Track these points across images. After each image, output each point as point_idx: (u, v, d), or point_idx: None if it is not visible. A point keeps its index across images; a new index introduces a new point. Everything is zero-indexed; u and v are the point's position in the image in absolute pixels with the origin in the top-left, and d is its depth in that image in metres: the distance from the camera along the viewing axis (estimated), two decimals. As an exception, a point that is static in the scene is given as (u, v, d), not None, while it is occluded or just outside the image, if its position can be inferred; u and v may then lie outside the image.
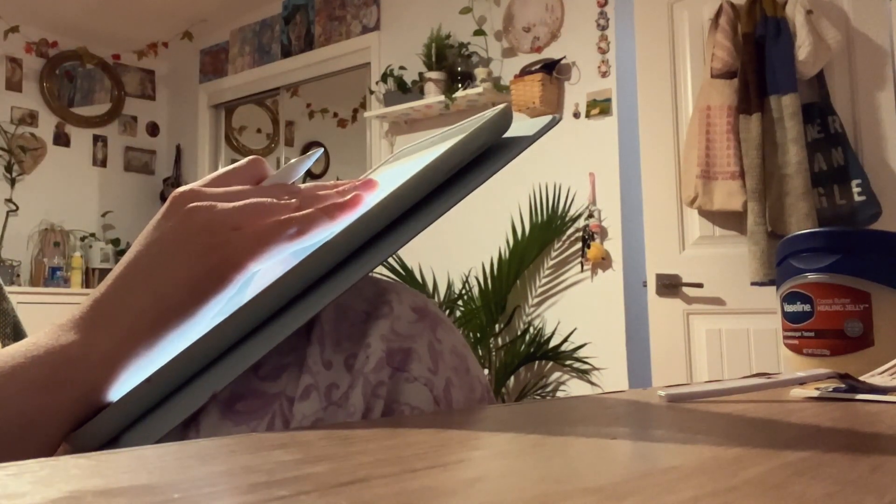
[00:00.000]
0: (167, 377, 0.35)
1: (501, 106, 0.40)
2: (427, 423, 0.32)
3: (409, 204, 0.38)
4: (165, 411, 0.35)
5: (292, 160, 0.45)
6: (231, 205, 0.39)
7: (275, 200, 0.40)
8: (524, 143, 0.40)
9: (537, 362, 3.13)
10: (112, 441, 0.35)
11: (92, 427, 0.34)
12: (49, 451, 0.34)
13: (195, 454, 0.25)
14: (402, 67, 3.72)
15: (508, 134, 0.41)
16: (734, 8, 2.39)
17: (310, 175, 5.38)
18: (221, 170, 0.43)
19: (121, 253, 4.79)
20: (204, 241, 0.37)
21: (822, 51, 2.24)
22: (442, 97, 3.36)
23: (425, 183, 0.38)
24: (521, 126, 0.42)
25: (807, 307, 0.63)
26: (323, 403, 0.37)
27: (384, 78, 3.71)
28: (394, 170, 0.49)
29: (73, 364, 0.35)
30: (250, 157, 0.44)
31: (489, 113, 0.40)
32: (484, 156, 0.40)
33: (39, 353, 0.35)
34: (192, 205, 0.38)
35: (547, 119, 0.41)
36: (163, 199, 5.04)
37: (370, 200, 0.41)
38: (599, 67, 3.08)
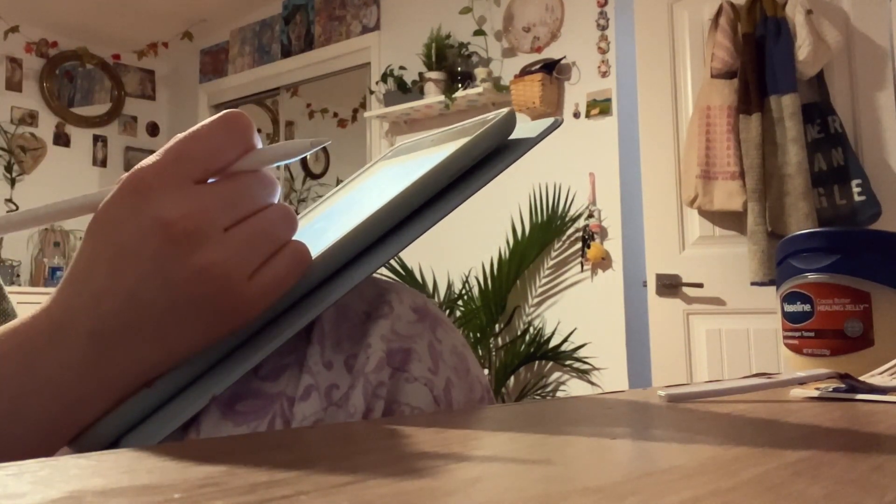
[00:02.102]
0: (169, 381, 0.35)
1: (506, 110, 0.40)
2: (427, 423, 0.32)
3: (411, 209, 0.38)
4: (165, 414, 0.35)
5: (285, 143, 0.37)
6: (240, 249, 0.33)
7: (274, 223, 0.34)
8: (526, 145, 0.40)
9: (537, 362, 3.13)
10: (112, 444, 0.35)
11: (93, 431, 0.34)
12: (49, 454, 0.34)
13: (195, 454, 0.25)
14: (402, 67, 3.72)
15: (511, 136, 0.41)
16: (734, 8, 2.39)
17: (310, 176, 5.38)
18: (192, 137, 0.34)
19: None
20: (223, 307, 0.33)
21: (822, 51, 2.24)
22: (442, 97, 3.36)
23: (428, 188, 0.38)
24: (522, 128, 0.42)
25: (807, 307, 0.63)
26: (323, 404, 0.37)
27: (384, 78, 3.71)
28: (393, 168, 0.49)
29: (79, 409, 0.33)
30: (229, 115, 0.35)
31: (493, 116, 0.40)
32: (486, 158, 0.40)
33: (47, 386, 0.32)
34: (205, 261, 0.32)
35: (549, 122, 0.41)
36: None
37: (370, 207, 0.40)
38: (599, 67, 3.08)
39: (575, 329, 3.04)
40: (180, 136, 0.34)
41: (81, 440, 0.34)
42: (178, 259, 0.32)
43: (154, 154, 0.34)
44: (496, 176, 0.39)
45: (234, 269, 0.32)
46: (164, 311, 0.32)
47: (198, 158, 0.33)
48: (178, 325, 0.33)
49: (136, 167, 0.33)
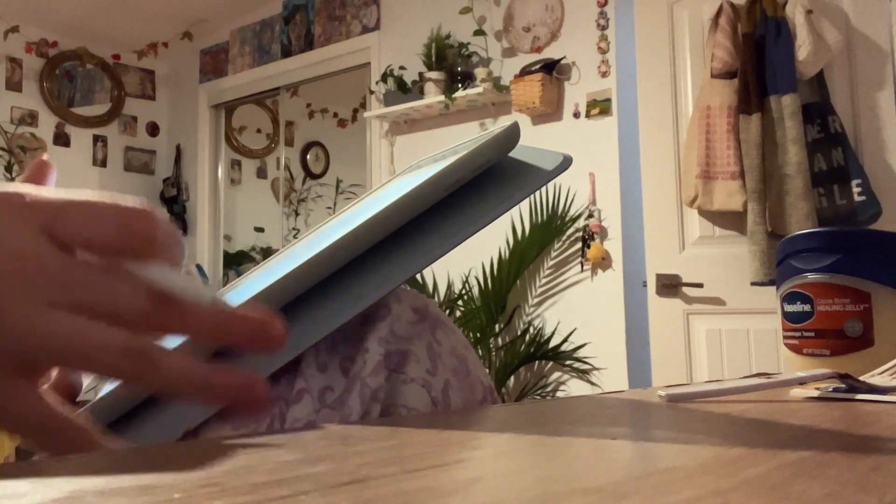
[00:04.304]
0: None
1: (509, 124, 0.40)
2: (427, 423, 0.32)
3: (407, 217, 0.37)
4: (161, 423, 0.35)
5: (191, 284, 0.27)
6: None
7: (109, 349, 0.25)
8: (541, 179, 0.39)
9: (537, 362, 3.13)
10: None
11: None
12: None
13: (195, 454, 0.25)
14: (402, 67, 3.72)
15: (518, 154, 0.41)
16: (734, 8, 2.39)
17: (310, 176, 5.38)
18: (92, 206, 0.26)
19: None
20: None
21: (822, 51, 2.24)
22: (442, 97, 3.36)
23: (424, 197, 0.37)
24: (529, 151, 0.41)
25: (807, 307, 0.63)
26: (315, 406, 0.37)
27: (384, 78, 3.71)
28: (404, 181, 0.49)
29: None
30: (137, 209, 0.27)
31: (499, 129, 0.40)
32: (500, 186, 0.39)
33: None
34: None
35: (559, 157, 0.40)
36: (163, 199, 5.04)
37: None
38: (599, 67, 3.08)
39: (575, 329, 3.04)
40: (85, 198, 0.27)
41: None
42: None
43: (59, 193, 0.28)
44: (511, 207, 0.38)
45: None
46: None
47: (80, 224, 0.26)
48: None
49: (24, 192, 0.27)
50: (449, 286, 3.38)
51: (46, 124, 4.74)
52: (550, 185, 3.15)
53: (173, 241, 0.27)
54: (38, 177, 0.32)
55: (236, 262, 5.05)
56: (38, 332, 0.25)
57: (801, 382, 0.44)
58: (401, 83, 3.64)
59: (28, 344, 0.25)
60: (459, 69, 3.46)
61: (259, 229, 5.23)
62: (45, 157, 0.32)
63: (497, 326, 3.18)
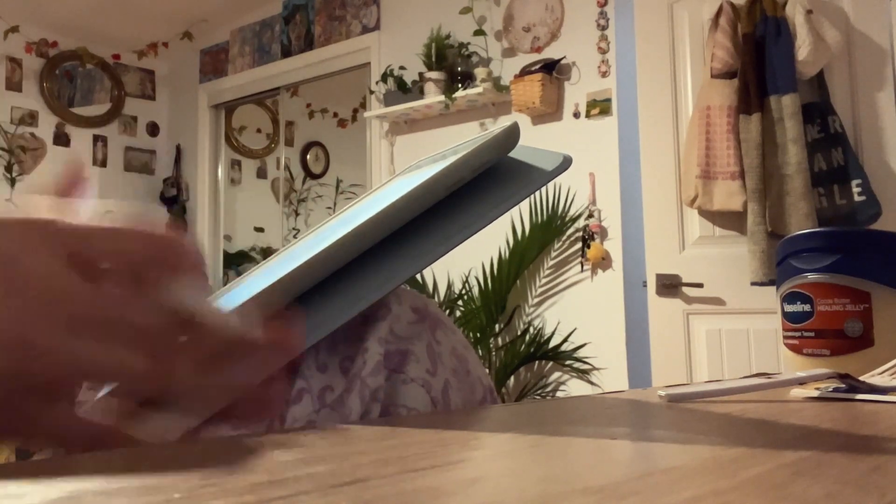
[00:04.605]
0: None
1: (509, 124, 0.40)
2: (427, 423, 0.32)
3: (407, 217, 0.37)
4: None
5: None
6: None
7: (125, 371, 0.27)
8: (541, 179, 0.39)
9: (537, 362, 3.13)
10: None
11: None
12: None
13: (195, 454, 0.25)
14: (402, 67, 3.72)
15: (518, 155, 0.41)
16: (734, 8, 2.39)
17: (310, 176, 5.38)
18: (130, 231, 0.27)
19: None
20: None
21: (822, 51, 2.24)
22: (442, 97, 3.36)
23: (424, 197, 0.37)
24: (529, 151, 0.41)
25: (807, 307, 0.63)
26: (315, 406, 0.37)
27: (384, 78, 3.71)
28: (404, 181, 0.49)
29: None
30: (165, 237, 0.28)
31: (499, 129, 0.40)
32: (500, 186, 0.39)
33: None
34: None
35: (559, 157, 0.40)
36: (162, 199, 5.04)
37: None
38: (599, 67, 3.08)
39: (575, 329, 3.04)
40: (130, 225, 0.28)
41: None
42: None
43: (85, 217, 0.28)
44: (511, 207, 0.38)
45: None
46: None
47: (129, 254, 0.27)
48: None
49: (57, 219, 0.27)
50: (449, 286, 3.38)
51: (46, 124, 4.74)
52: (550, 185, 3.14)
53: (199, 267, 0.29)
54: (71, 188, 0.32)
55: (236, 262, 5.05)
56: (60, 356, 0.26)
57: (801, 382, 0.44)
58: (401, 83, 3.64)
59: (49, 367, 0.26)
60: (459, 69, 3.46)
61: (259, 229, 5.22)
62: (82, 168, 0.32)
63: (497, 326, 3.18)
